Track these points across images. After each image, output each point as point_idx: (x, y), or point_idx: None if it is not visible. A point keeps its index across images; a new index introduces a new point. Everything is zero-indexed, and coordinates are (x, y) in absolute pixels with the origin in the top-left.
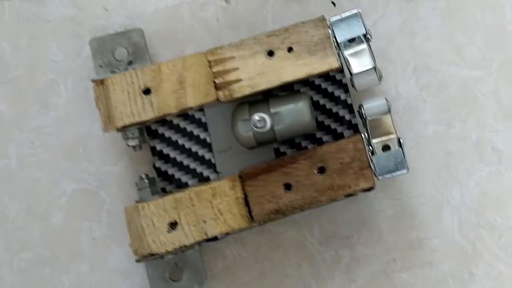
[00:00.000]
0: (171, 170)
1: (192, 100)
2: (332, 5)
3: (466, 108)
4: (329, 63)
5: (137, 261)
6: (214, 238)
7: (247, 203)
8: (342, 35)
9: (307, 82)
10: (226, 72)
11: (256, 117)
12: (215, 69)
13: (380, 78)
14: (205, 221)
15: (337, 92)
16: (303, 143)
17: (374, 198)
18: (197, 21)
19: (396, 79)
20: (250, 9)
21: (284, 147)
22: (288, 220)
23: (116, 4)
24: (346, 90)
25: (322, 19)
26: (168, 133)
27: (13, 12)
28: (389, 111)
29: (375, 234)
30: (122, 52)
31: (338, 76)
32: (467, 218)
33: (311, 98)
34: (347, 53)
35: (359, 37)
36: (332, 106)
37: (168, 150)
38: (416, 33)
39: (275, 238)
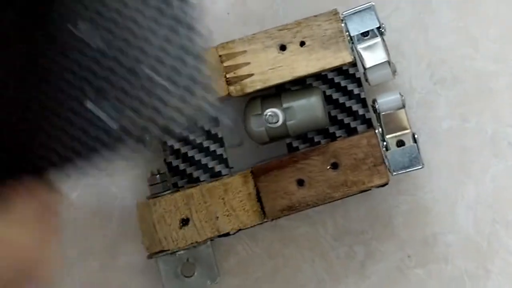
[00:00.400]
0: (182, 165)
1: None
2: None
3: (481, 102)
4: (342, 57)
5: (149, 257)
6: (227, 234)
7: (259, 199)
8: (355, 29)
9: (319, 76)
10: (237, 66)
11: (268, 112)
12: (226, 63)
13: (394, 72)
14: (217, 217)
15: (351, 86)
16: (316, 138)
17: (388, 194)
18: (207, 15)
19: (410, 74)
20: (261, 2)
21: (297, 142)
22: (301, 216)
23: None
24: (359, 84)
25: (335, 12)
26: None
27: None
28: (403, 106)
29: (389, 230)
30: None
31: (351, 70)
32: (482, 214)
33: (324, 92)
34: (360, 46)
35: (372, 30)
36: (346, 101)
37: (179, 145)
38: (430, 26)
39: (288, 234)
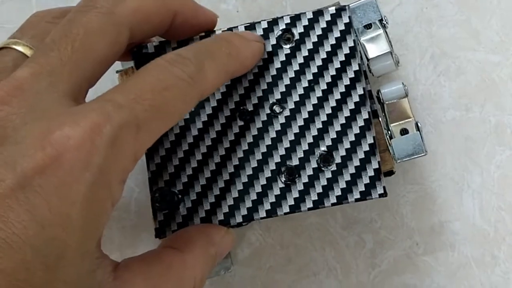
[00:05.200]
0: None
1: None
2: None
3: (484, 93)
4: None
5: None
6: (239, 224)
7: None
8: (358, 22)
9: None
10: None
11: None
12: None
13: (397, 63)
14: None
15: None
16: None
17: (395, 183)
18: (217, 13)
19: (414, 66)
20: (269, 0)
21: None
22: None
23: None
24: (365, 77)
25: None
26: None
27: (41, 7)
28: (406, 95)
29: (397, 219)
30: None
31: None
32: (488, 202)
33: None
34: (363, 39)
35: (375, 23)
36: None
37: None
38: (433, 20)
39: (300, 224)
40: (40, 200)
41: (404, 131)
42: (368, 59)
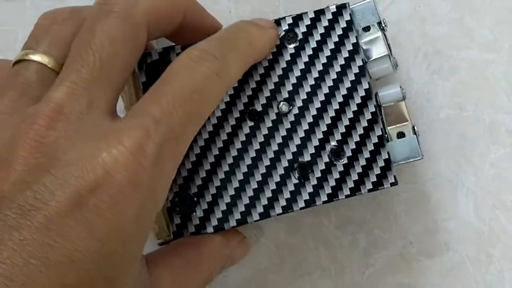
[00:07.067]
0: None
1: None
2: None
3: (478, 91)
4: None
5: (160, 244)
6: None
7: None
8: (357, 24)
9: None
10: None
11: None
12: None
13: (395, 66)
14: None
15: None
16: None
17: None
18: (210, 13)
19: (407, 65)
20: (262, 0)
21: None
22: None
23: None
24: None
25: None
26: None
27: (34, 8)
28: (403, 98)
29: (391, 218)
30: None
31: None
32: (482, 200)
33: None
34: (361, 41)
35: (373, 25)
36: None
37: None
38: (426, 18)
39: (294, 224)
40: (96, 217)
41: (400, 135)
42: (365, 62)
